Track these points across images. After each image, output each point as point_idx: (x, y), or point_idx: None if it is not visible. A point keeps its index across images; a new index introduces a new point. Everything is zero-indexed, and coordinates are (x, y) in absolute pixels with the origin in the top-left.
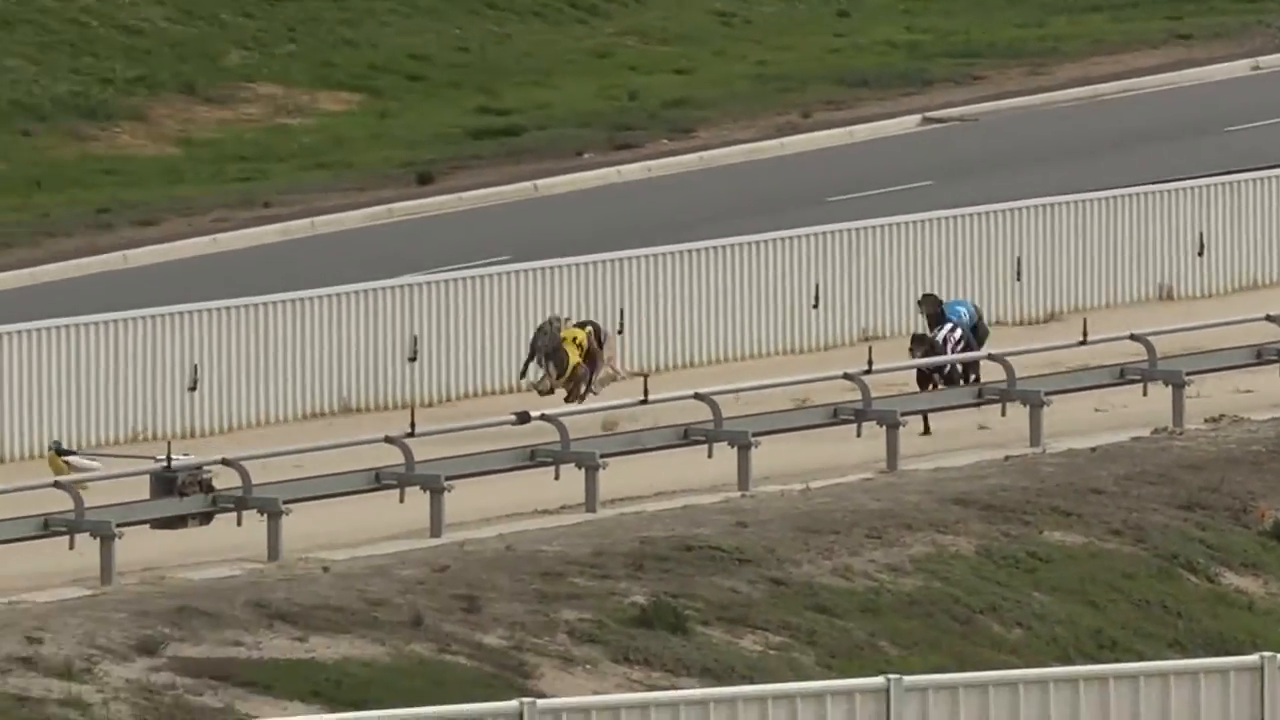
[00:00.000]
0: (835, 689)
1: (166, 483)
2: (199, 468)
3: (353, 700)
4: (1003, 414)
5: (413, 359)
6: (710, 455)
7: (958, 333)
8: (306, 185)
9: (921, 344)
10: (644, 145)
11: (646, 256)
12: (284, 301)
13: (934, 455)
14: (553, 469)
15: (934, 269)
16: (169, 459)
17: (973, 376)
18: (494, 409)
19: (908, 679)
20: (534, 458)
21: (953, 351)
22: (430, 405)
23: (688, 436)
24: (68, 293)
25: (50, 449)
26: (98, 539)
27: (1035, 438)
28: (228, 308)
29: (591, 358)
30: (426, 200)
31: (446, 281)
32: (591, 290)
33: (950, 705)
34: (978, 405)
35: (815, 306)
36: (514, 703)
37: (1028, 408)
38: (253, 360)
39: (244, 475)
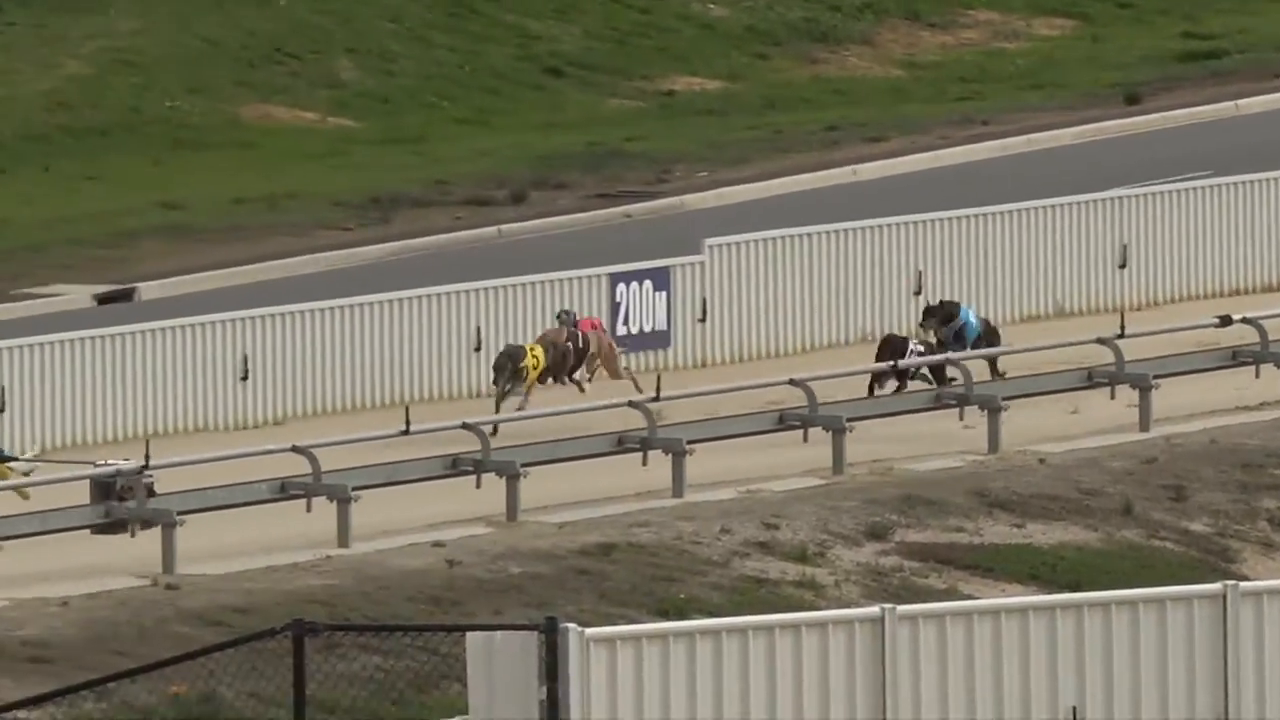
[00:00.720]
0: None
1: (105, 487)
2: (138, 472)
3: (1067, 582)
4: None
5: (1122, 266)
6: None
7: (920, 345)
8: (1021, 105)
9: (890, 347)
10: None
11: None
12: (1002, 213)
13: None
14: (1252, 368)
15: None
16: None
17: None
18: (1199, 312)
19: None
20: (1235, 358)
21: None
22: (1139, 309)
23: None
24: (800, 204)
25: None
26: (829, 432)
27: None
28: (950, 218)
29: (554, 370)
30: (1134, 119)
31: (1152, 194)
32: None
33: None
34: None
35: None
36: (1217, 585)
37: None
38: (972, 265)
39: (966, 376)
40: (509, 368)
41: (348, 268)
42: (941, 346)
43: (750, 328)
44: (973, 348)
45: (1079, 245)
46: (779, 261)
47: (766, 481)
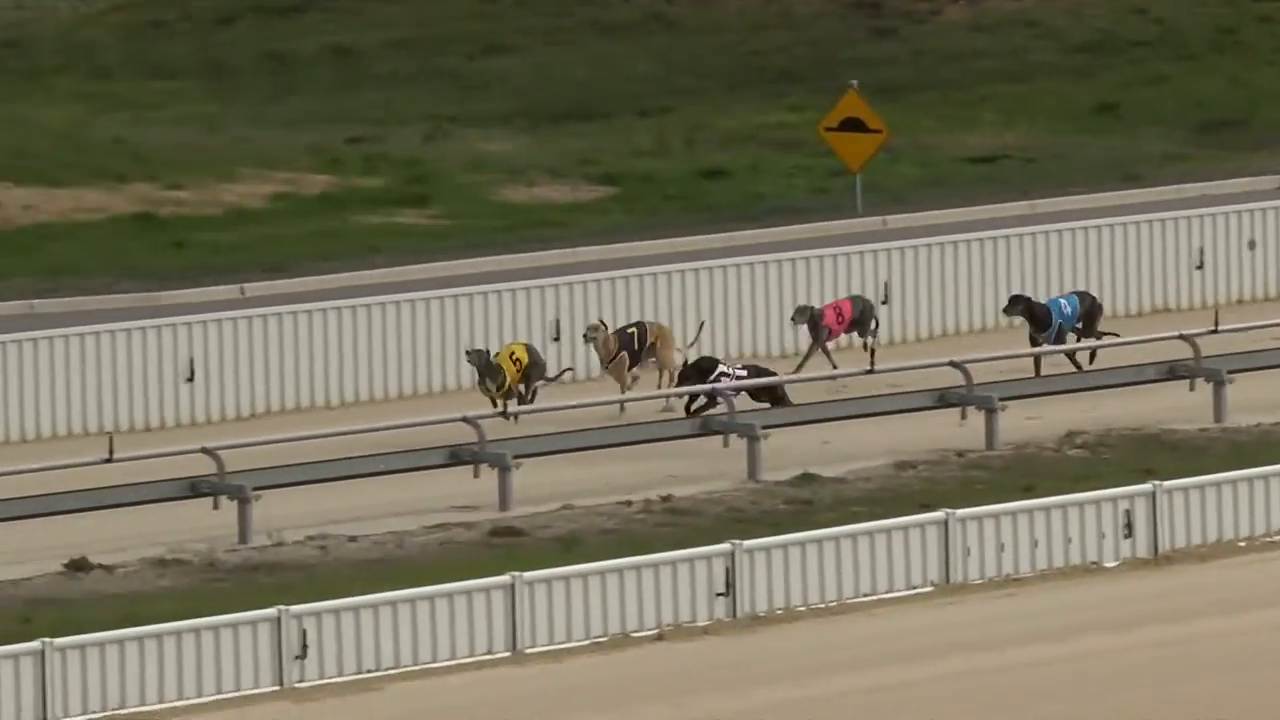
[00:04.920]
0: None
1: None
2: None
3: None
4: None
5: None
6: None
7: (742, 370)
8: None
9: (696, 369)
10: None
11: None
12: None
13: None
14: None
15: None
16: None
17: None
18: None
19: None
20: None
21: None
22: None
23: None
24: None
25: None
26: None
27: None
28: None
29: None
30: None
31: None
32: None
33: None
34: None
35: None
36: None
37: None
38: None
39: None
40: (488, 380)
41: None
42: (1034, 343)
43: None
44: (1074, 328)
45: None
46: None
47: None
